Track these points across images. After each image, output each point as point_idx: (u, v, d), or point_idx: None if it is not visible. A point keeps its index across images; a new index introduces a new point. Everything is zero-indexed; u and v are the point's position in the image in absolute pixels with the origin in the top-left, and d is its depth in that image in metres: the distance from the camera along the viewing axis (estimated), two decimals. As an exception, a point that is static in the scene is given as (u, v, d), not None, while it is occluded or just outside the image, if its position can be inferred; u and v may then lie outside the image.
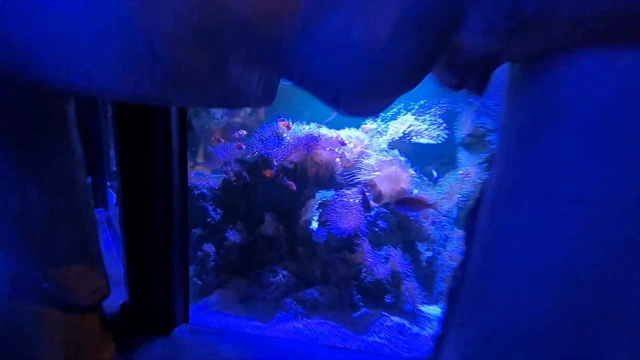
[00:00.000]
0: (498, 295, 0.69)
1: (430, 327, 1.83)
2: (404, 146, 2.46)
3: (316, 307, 1.90)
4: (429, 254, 2.18)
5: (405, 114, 2.63)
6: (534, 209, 0.62)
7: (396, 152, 2.33)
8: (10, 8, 0.53)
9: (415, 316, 1.91)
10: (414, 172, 2.22)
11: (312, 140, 2.16)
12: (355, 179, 2.14)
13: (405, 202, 1.99)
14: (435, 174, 2.42)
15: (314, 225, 2.02)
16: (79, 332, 1.14)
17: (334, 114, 2.61)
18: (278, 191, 2.16)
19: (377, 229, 2.08)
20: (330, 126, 2.43)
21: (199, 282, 2.02)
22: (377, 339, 1.72)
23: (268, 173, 2.13)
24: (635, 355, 0.55)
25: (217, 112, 3.02)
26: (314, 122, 2.44)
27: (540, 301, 0.63)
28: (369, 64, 0.56)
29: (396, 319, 1.84)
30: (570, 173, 0.58)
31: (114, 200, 2.71)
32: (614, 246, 0.57)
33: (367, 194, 2.04)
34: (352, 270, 2.00)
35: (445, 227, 2.31)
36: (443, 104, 2.56)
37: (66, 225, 1.01)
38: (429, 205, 2.00)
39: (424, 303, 1.98)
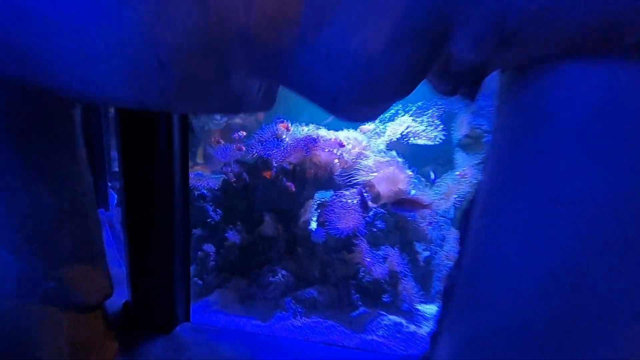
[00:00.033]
0: (488, 294, 0.72)
1: (427, 326, 1.86)
2: (402, 147, 2.48)
3: (315, 306, 1.92)
4: (426, 253, 2.21)
5: (403, 116, 2.66)
6: (521, 211, 0.65)
7: (394, 153, 2.35)
8: (26, 22, 0.56)
9: (413, 315, 1.94)
10: (411, 173, 2.24)
11: (310, 142, 2.18)
12: (353, 179, 2.16)
13: (401, 203, 2.02)
14: (432, 175, 2.44)
15: (313, 225, 2.05)
16: (82, 331, 1.15)
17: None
18: (277, 192, 2.18)
19: (375, 229, 2.11)
20: (329, 127, 2.45)
21: (200, 281, 2.04)
22: (375, 338, 1.75)
23: (267, 174, 2.16)
24: (617, 348, 0.58)
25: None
26: (312, 123, 2.46)
27: (528, 300, 0.66)
28: (365, 74, 0.59)
29: (394, 317, 1.86)
30: (555, 176, 0.61)
31: (115, 201, 2.73)
32: (597, 246, 0.59)
33: (365, 194, 2.06)
34: (350, 270, 2.02)
35: (442, 227, 2.34)
36: (440, 105, 2.59)
37: (71, 225, 1.03)
38: (424, 206, 2.02)
39: (421, 302, 2.01)
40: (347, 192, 2.09)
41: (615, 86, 0.56)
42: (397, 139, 2.52)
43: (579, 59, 0.56)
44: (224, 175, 2.29)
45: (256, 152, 2.26)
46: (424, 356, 1.06)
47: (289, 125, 2.34)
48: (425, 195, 2.26)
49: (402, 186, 2.16)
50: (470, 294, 0.81)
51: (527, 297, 0.66)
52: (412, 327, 1.83)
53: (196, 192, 2.26)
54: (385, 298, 1.96)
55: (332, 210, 2.02)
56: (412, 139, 2.52)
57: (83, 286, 1.10)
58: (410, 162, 2.29)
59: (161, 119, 1.21)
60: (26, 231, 0.95)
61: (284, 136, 2.30)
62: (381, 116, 2.69)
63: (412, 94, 0.72)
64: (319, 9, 0.54)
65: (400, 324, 1.83)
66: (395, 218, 2.18)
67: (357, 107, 0.69)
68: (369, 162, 2.22)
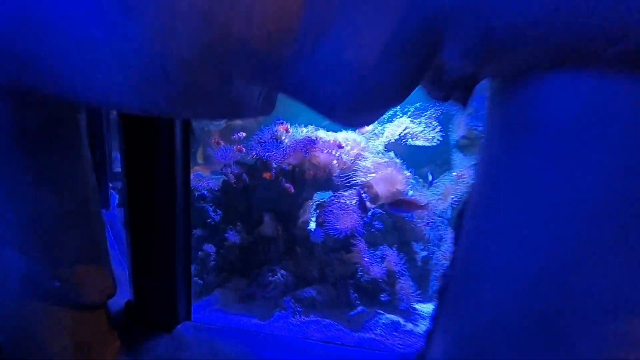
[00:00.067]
0: (480, 292, 0.75)
1: (424, 324, 1.88)
2: (400, 148, 2.50)
3: (314, 306, 1.95)
4: (424, 253, 2.23)
5: (401, 117, 2.67)
6: (510, 213, 0.68)
7: (392, 154, 2.37)
8: (38, 34, 0.59)
9: (410, 314, 1.96)
10: (409, 174, 2.27)
11: (309, 143, 2.20)
12: (352, 180, 2.18)
13: (398, 204, 2.03)
14: (430, 176, 2.47)
15: (312, 226, 2.07)
16: (86, 330, 1.17)
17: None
18: (277, 193, 2.21)
19: (373, 230, 2.13)
20: (328, 129, 2.47)
21: (200, 281, 2.06)
22: (373, 336, 1.77)
23: (267, 175, 2.18)
24: (599, 342, 0.62)
25: (217, 114, 3.05)
26: (311, 125, 2.48)
27: (518, 298, 0.69)
28: (359, 85, 0.62)
29: (391, 316, 1.89)
30: (542, 179, 0.64)
31: (116, 202, 2.74)
32: (582, 246, 0.62)
33: (363, 195, 2.08)
34: (348, 270, 2.05)
35: (440, 227, 2.36)
36: (438, 107, 2.61)
37: (76, 226, 1.05)
38: (421, 207, 2.04)
39: (418, 301, 2.03)
40: (345, 193, 2.12)
41: (599, 95, 0.58)
42: (395, 140, 2.54)
43: (564, 70, 0.58)
44: (223, 176, 2.31)
45: (256, 153, 2.28)
46: (420, 353, 1.08)
47: (288, 126, 2.36)
48: (423, 195, 2.29)
49: (400, 187, 2.18)
50: (462, 292, 0.84)
51: (516, 295, 0.69)
52: (410, 326, 1.86)
53: (196, 193, 2.28)
54: (383, 297, 1.98)
55: (331, 210, 2.04)
56: (410, 140, 2.54)
57: (87, 285, 1.11)
58: (408, 163, 2.31)
59: (163, 121, 1.23)
60: (32, 231, 0.97)
61: (283, 137, 2.32)
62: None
63: (410, 96, 0.75)
64: (316, 24, 0.57)
65: (398, 322, 1.86)
66: (393, 218, 2.20)
67: (354, 114, 0.72)
68: (367, 163, 2.24)
